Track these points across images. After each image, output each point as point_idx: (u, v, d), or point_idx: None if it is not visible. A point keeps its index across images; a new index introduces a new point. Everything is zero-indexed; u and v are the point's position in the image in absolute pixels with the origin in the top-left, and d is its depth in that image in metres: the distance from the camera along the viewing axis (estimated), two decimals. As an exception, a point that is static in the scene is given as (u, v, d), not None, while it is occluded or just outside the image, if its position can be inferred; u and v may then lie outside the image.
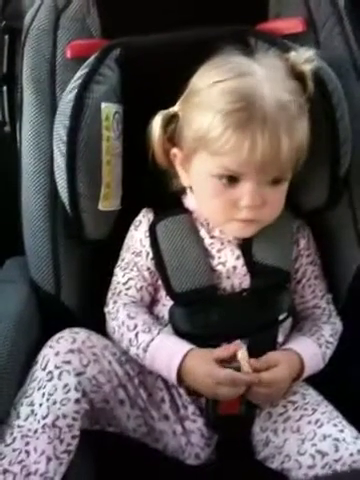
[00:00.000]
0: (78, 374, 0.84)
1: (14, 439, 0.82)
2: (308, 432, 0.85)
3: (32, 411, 0.83)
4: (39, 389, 0.84)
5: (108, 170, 0.94)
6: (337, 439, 0.83)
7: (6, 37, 1.05)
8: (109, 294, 0.97)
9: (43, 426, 0.82)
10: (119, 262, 0.97)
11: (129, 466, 0.87)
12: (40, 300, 0.98)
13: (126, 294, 0.95)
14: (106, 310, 0.96)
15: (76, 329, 0.89)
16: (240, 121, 0.83)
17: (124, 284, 0.95)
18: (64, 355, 0.85)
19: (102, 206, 0.95)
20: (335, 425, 0.85)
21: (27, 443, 0.82)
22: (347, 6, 0.98)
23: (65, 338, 0.87)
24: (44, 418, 0.82)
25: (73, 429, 0.82)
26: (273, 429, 0.89)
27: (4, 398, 0.84)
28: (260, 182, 0.86)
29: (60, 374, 0.84)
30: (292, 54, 0.89)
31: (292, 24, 0.98)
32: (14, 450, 0.82)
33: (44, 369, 0.85)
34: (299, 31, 0.98)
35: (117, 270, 0.97)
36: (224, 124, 0.83)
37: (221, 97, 0.84)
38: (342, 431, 0.84)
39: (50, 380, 0.84)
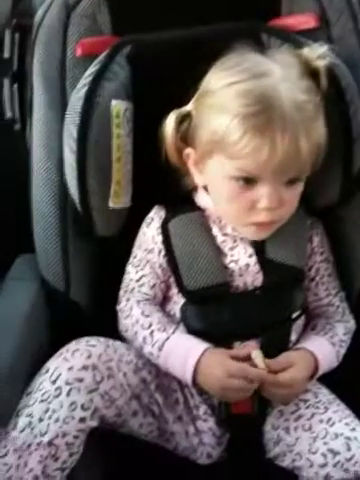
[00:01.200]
0: (90, 391, 0.82)
1: (7, 452, 0.80)
2: (320, 431, 0.85)
3: (30, 423, 0.81)
4: (42, 401, 0.82)
5: (118, 167, 0.93)
6: (349, 438, 0.83)
7: (17, 35, 1.05)
8: (121, 292, 0.96)
9: (38, 443, 0.80)
10: (131, 259, 0.96)
11: (139, 465, 0.87)
12: (49, 297, 0.98)
13: (139, 291, 0.94)
14: (118, 308, 0.96)
15: (93, 340, 0.86)
16: (259, 125, 0.81)
17: (137, 281, 0.95)
18: (77, 372, 0.82)
19: (112, 203, 0.94)
20: (347, 424, 0.85)
21: (19, 457, 0.80)
22: (360, 2, 0.98)
23: (81, 352, 0.84)
24: (42, 435, 0.80)
25: (72, 447, 0.81)
26: (285, 427, 0.88)
27: (11, 400, 0.82)
28: (277, 183, 0.85)
29: (69, 391, 0.81)
30: (306, 50, 0.88)
31: (304, 20, 0.97)
32: (5, 464, 0.80)
33: (54, 382, 0.82)
34: (312, 27, 0.96)
35: (129, 267, 0.96)
36: (242, 128, 0.82)
37: (237, 100, 0.83)
38: (354, 430, 0.84)
39: (57, 396, 0.81)
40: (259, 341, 0.89)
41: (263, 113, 0.82)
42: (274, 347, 0.88)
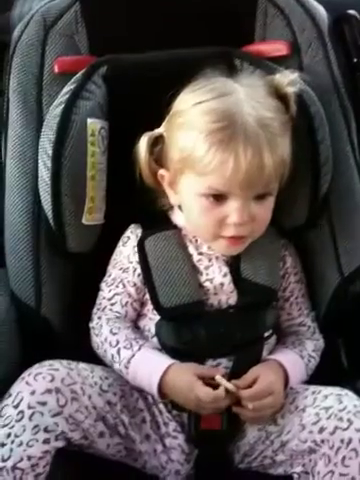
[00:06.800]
0: (54, 415, 0.82)
1: None
2: (308, 402, 0.85)
3: None
4: (4, 426, 0.81)
5: (92, 185, 0.94)
6: (340, 394, 0.84)
7: (-6, 51, 1.05)
8: (94, 309, 0.97)
9: (1, 469, 0.79)
10: (106, 278, 0.97)
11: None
12: (20, 313, 0.96)
13: (111, 309, 0.95)
14: (91, 325, 0.96)
15: (56, 364, 0.86)
16: (223, 139, 0.84)
17: (109, 300, 0.96)
18: (40, 396, 0.82)
19: (85, 220, 0.95)
20: (334, 388, 0.85)
21: None
22: (330, 32, 1.00)
23: (43, 375, 0.83)
24: (4, 460, 0.80)
25: (37, 468, 0.81)
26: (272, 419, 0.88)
27: None
28: (246, 198, 0.87)
29: (32, 415, 0.81)
30: (277, 76, 0.91)
31: (277, 47, 1.00)
32: None
33: (16, 407, 0.82)
34: (283, 54, 1.00)
35: (103, 285, 0.97)
36: (207, 143, 0.85)
37: (203, 117, 0.86)
38: (343, 389, 0.85)
39: (19, 420, 0.81)
40: (231, 359, 0.90)
41: (227, 128, 0.84)
42: (246, 365, 0.89)
